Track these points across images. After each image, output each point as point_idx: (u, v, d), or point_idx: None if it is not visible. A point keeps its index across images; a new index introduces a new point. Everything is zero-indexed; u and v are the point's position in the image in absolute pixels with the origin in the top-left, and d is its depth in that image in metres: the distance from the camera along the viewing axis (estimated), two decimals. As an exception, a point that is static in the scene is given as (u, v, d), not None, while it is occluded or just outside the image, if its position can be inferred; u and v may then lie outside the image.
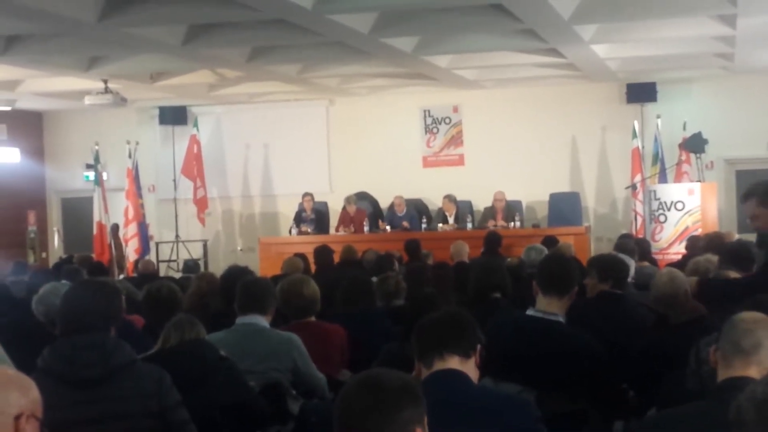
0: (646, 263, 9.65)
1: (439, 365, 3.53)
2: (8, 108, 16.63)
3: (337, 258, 11.26)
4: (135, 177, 16.91)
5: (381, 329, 6.36)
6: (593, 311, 5.82)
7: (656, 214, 13.60)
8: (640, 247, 10.18)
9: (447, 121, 17.35)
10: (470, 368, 3.59)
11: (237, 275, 6.99)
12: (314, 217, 16.00)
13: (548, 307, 4.73)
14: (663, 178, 15.30)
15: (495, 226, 14.64)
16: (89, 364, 3.85)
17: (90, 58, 12.68)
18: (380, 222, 15.60)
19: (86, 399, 3.84)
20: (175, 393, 4.02)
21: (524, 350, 4.57)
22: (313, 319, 6.05)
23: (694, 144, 14.80)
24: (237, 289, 5.69)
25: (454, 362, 3.54)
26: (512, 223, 14.90)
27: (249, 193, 18.16)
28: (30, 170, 18.11)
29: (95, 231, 16.62)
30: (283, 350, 5.40)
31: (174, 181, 17.63)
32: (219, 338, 5.33)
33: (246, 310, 5.54)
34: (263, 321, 5.51)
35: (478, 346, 3.63)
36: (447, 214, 15.54)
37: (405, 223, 15.49)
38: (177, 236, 17.56)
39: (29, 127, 18.36)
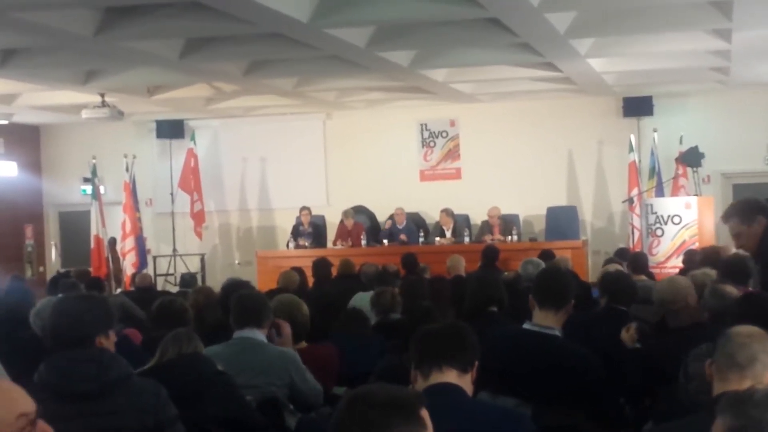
0: (643, 277, 9.64)
1: (436, 377, 3.53)
2: (5, 122, 16.64)
3: (334, 272, 11.28)
4: (132, 191, 16.93)
5: (376, 350, 6.38)
6: (595, 325, 5.84)
7: (653, 228, 13.61)
8: (637, 261, 10.19)
9: (444, 134, 17.37)
10: (466, 383, 3.59)
11: (237, 288, 6.99)
12: (311, 230, 16.01)
13: (544, 321, 4.73)
14: (660, 192, 15.32)
15: (492, 240, 14.65)
16: (85, 379, 3.82)
17: (87, 71, 12.70)
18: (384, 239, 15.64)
19: (82, 413, 3.80)
20: (172, 407, 4.00)
21: (521, 364, 4.57)
22: (303, 344, 5.99)
23: (691, 158, 14.82)
24: (232, 303, 5.67)
25: (452, 376, 3.54)
26: (509, 237, 14.91)
27: (246, 207, 18.17)
28: (27, 184, 18.10)
29: (92, 245, 16.64)
30: (281, 365, 5.38)
31: (171, 194, 17.63)
32: (216, 352, 5.31)
33: (242, 324, 5.51)
34: (260, 335, 5.48)
35: (476, 363, 3.64)
36: (444, 227, 15.54)
37: (403, 237, 15.50)
38: (174, 250, 17.56)
39: (26, 141, 18.37)
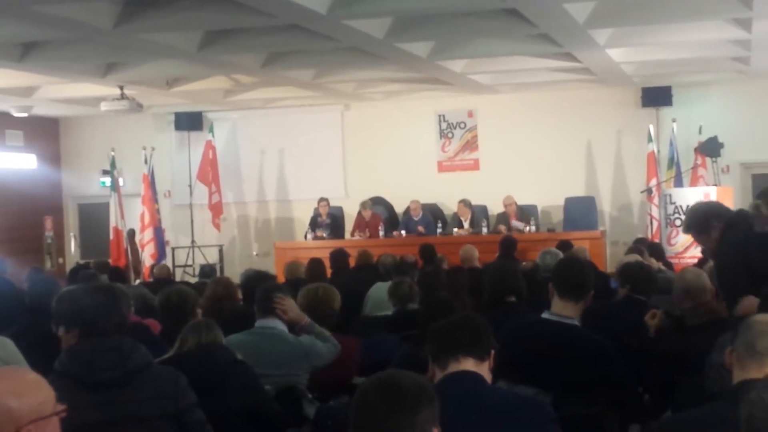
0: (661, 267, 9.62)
1: (454, 367, 3.54)
2: (25, 114, 16.70)
3: (352, 262, 11.29)
4: (151, 182, 16.99)
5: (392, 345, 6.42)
6: (614, 315, 5.83)
7: (672, 218, 13.56)
8: (654, 251, 10.16)
9: (462, 125, 17.35)
10: (485, 371, 3.60)
11: (261, 280, 7.08)
12: (329, 222, 16.03)
13: (563, 311, 4.73)
14: (678, 182, 15.26)
15: (509, 230, 14.65)
16: (107, 367, 3.85)
17: (106, 64, 12.74)
18: (395, 232, 15.65)
19: (103, 402, 3.84)
20: (191, 394, 4.02)
21: (539, 354, 4.57)
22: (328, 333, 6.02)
23: (710, 148, 14.74)
24: (257, 293, 5.73)
25: (469, 364, 3.56)
26: (527, 227, 14.89)
27: (264, 199, 18.20)
28: (46, 176, 18.20)
29: (111, 236, 16.72)
30: (302, 355, 5.43)
31: (189, 186, 17.69)
32: (238, 340, 5.37)
33: (266, 313, 5.58)
34: (281, 325, 5.56)
35: (492, 352, 3.65)
36: (462, 218, 15.54)
37: (420, 228, 15.51)
38: (193, 241, 17.61)
39: (46, 133, 18.46)
